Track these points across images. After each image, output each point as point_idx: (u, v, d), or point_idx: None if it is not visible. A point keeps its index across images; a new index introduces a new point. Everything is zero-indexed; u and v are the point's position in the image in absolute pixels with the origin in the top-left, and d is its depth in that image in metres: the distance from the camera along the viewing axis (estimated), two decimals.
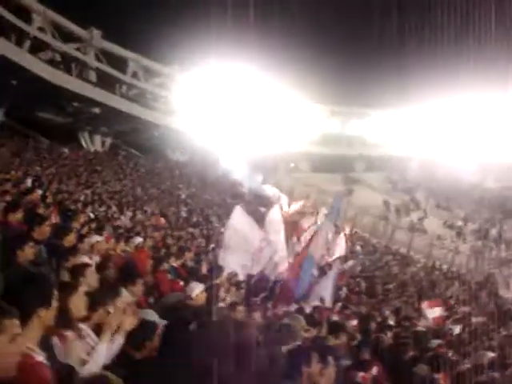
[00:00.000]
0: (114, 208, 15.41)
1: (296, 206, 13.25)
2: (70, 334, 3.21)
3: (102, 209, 14.42)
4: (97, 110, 32.99)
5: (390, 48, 39.25)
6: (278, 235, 9.18)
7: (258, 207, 9.88)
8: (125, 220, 13.93)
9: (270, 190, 23.37)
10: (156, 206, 19.51)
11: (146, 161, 32.92)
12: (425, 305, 13.63)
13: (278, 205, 10.67)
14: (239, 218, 9.15)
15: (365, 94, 40.96)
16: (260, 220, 9.49)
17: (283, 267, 8.95)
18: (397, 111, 43.39)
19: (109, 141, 35.59)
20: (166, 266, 7.48)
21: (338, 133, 44.14)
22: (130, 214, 15.41)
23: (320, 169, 41.08)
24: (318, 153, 42.17)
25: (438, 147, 41.64)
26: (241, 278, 8.55)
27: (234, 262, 8.78)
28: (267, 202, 10.53)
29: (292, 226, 10.00)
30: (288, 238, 9.73)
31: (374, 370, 5.73)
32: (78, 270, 4.37)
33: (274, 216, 9.49)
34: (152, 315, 4.32)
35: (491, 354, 12.84)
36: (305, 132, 41.99)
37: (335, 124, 44.46)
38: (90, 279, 4.32)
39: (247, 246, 8.89)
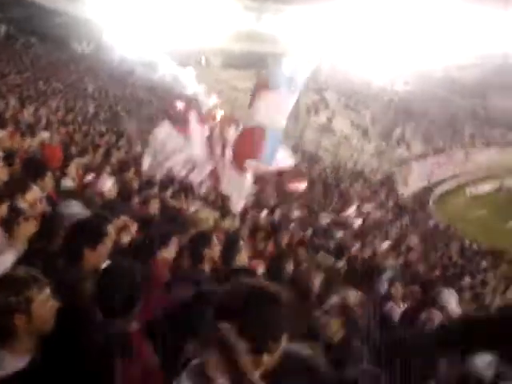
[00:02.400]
0: (15, 102, 14.48)
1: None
2: None
3: (2, 103, 13.53)
4: None
5: None
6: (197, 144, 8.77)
7: (174, 102, 9.13)
8: (27, 115, 13.17)
9: (191, 87, 21.91)
10: (61, 101, 18.54)
11: (48, 51, 30.67)
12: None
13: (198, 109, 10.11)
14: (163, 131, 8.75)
15: None
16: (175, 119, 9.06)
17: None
18: (310, 8, 42.68)
19: (3, 28, 32.54)
20: (77, 161, 7.28)
21: (250, 29, 43.02)
22: (32, 108, 14.56)
23: (232, 65, 40.31)
24: (230, 48, 41.14)
25: (350, 48, 41.96)
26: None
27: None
28: (187, 101, 9.81)
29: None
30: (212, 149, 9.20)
31: None
32: None
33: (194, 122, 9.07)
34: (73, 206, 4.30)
35: (387, 243, 14.04)
36: (217, 27, 40.59)
37: (248, 20, 43.23)
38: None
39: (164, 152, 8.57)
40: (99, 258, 3.13)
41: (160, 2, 34.83)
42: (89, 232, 3.17)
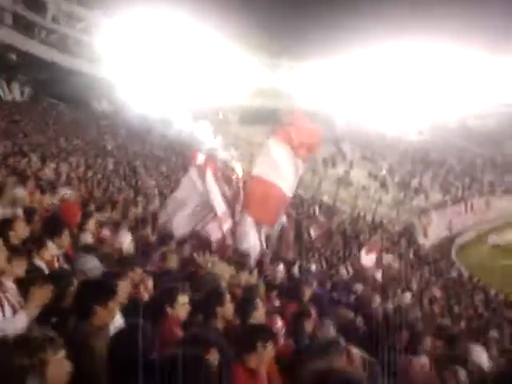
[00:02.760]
0: (37, 160, 14.79)
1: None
2: None
3: (24, 161, 13.81)
4: (13, 57, 31.04)
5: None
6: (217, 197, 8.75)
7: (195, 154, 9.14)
8: (49, 172, 13.41)
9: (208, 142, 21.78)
10: (81, 158, 18.88)
11: (69, 111, 31.57)
12: (365, 249, 14.17)
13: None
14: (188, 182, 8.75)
15: (294, 47, 40.90)
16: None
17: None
18: (323, 64, 43.66)
19: (28, 90, 33.73)
20: (96, 217, 7.36)
21: (266, 85, 44.01)
22: (53, 165, 14.84)
23: (248, 120, 40.98)
24: (247, 105, 41.97)
25: (364, 100, 42.58)
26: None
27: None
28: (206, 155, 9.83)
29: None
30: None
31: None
32: (6, 224, 4.26)
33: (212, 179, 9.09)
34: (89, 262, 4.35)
35: (409, 295, 13.72)
36: (234, 84, 41.59)
37: (264, 76, 44.27)
38: (20, 232, 4.25)
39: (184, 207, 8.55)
40: (110, 314, 3.16)
41: (178, 61, 35.89)
42: (100, 290, 3.21)
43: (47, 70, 32.35)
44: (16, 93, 32.89)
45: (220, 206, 8.38)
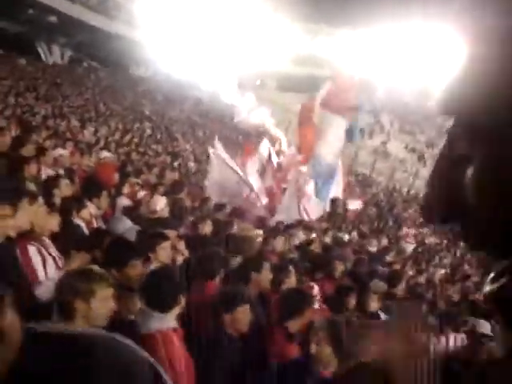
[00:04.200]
0: (76, 123, 15.01)
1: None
2: (31, 246, 3.19)
3: (64, 123, 14.03)
4: (54, 19, 31.25)
5: None
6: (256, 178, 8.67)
7: (237, 137, 9.19)
8: (88, 135, 13.61)
9: (259, 117, 21.07)
10: (119, 122, 19.10)
11: (108, 75, 31.81)
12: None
13: (268, 142, 9.94)
14: (217, 155, 8.70)
15: (334, 13, 40.03)
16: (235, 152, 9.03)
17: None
18: (363, 31, 42.64)
19: (68, 52, 34.06)
20: (132, 180, 7.46)
21: (304, 52, 43.37)
22: (92, 129, 15.04)
23: (286, 87, 40.57)
24: (285, 71, 41.50)
25: (405, 71, 41.54)
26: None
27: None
28: (253, 132, 9.82)
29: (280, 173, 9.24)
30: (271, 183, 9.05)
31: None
32: (51, 182, 4.37)
33: (261, 155, 9.00)
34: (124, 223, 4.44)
35: (443, 270, 13.57)
36: (271, 49, 41.13)
37: (303, 43, 43.60)
38: (63, 190, 4.37)
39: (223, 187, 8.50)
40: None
41: (215, 28, 35.64)
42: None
43: (87, 32, 32.53)
44: (56, 55, 33.26)
45: (256, 183, 8.41)
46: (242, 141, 8.86)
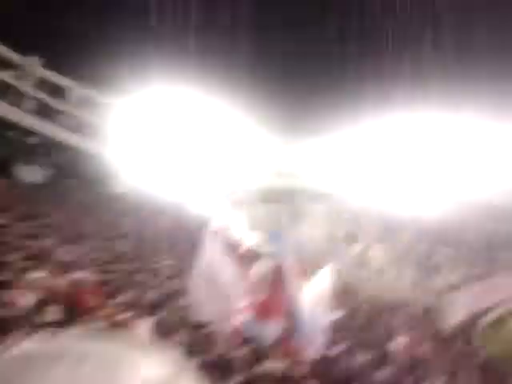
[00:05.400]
0: (54, 242, 14.77)
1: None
2: None
3: (41, 243, 13.80)
4: (34, 140, 31.94)
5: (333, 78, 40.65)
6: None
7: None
8: (64, 255, 13.32)
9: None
10: (95, 240, 18.87)
11: (86, 193, 31.99)
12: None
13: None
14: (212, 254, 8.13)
15: (312, 127, 41.71)
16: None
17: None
18: (342, 143, 44.24)
19: (47, 172, 34.46)
20: (110, 301, 7.17)
21: (284, 164, 44.54)
22: (69, 248, 14.79)
23: (266, 200, 41.15)
24: (264, 184, 42.30)
25: (381, 179, 42.74)
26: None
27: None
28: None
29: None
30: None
31: None
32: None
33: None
34: None
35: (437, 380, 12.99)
36: (251, 163, 42.21)
37: (282, 154, 44.86)
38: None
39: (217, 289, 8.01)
40: None
41: (191, 141, 36.81)
42: None
43: (66, 152, 33.16)
44: (36, 175, 33.57)
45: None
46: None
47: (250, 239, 16.15)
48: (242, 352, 6.60)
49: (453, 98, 35.34)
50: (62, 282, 8.00)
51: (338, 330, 13.98)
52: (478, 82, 36.76)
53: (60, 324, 4.21)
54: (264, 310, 7.36)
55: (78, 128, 34.63)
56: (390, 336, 17.52)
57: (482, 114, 37.41)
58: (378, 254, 33.67)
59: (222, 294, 7.56)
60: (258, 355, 6.10)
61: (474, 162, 43.34)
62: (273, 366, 6.77)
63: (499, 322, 28.04)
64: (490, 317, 28.42)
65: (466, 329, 25.86)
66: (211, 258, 7.96)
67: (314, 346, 7.76)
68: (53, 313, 4.66)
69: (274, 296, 7.44)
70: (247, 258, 8.93)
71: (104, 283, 9.99)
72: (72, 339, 1.08)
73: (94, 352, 1.00)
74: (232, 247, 8.52)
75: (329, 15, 39.62)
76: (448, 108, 37.60)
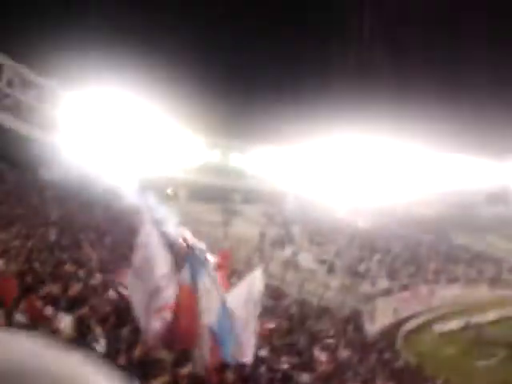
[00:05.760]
0: None
1: None
2: None
3: None
4: None
5: (273, 85, 41.13)
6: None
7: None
8: None
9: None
10: (22, 227, 18.05)
11: (14, 177, 30.64)
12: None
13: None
14: (149, 238, 7.79)
15: (247, 128, 41.95)
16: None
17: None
18: (276, 148, 44.85)
19: None
20: (32, 293, 6.83)
21: (217, 163, 44.52)
22: None
23: (198, 198, 40.94)
24: (197, 182, 42.07)
25: (314, 185, 43.66)
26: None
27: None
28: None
29: None
30: None
31: None
32: None
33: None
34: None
35: None
36: (184, 160, 41.96)
37: (216, 155, 44.85)
38: None
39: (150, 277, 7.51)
40: None
41: (127, 136, 36.24)
42: None
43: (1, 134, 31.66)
44: None
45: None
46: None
47: (184, 236, 15.94)
48: (167, 352, 6.46)
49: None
50: None
51: (265, 333, 14.07)
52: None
53: None
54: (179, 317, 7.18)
55: (11, 109, 33.09)
56: (316, 340, 17.80)
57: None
58: (308, 258, 34.15)
59: (153, 289, 7.38)
60: (185, 357, 5.98)
61: (402, 177, 45.39)
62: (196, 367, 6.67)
63: (418, 330, 29.14)
64: (411, 324, 29.49)
65: (389, 335, 26.70)
66: (145, 251, 7.73)
67: (240, 350, 7.70)
68: None
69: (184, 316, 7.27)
70: (182, 255, 8.82)
71: (28, 273, 9.55)
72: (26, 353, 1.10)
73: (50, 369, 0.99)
74: (168, 242, 8.38)
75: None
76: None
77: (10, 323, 5.21)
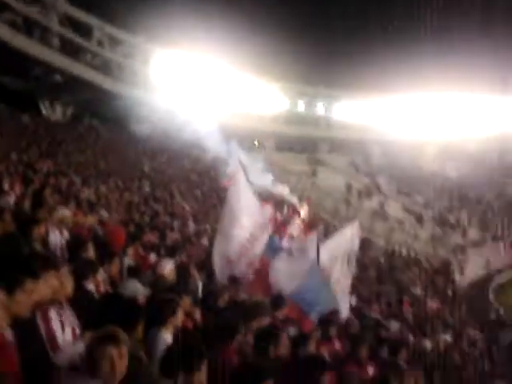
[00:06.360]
0: (78, 180, 14.97)
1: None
2: (52, 311, 3.09)
3: (65, 181, 13.96)
4: (59, 78, 31.87)
5: (360, 33, 39.76)
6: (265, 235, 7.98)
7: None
8: (89, 193, 13.51)
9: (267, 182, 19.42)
10: (119, 180, 19.03)
11: (108, 132, 32.09)
12: None
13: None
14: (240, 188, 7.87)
15: (333, 77, 41.15)
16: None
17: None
18: (363, 97, 43.79)
19: (71, 110, 34.56)
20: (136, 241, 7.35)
21: (304, 113, 44.23)
22: (93, 187, 14.97)
23: (285, 148, 41.09)
24: (284, 132, 42.12)
25: (401, 134, 42.45)
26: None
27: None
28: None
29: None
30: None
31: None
32: (79, 246, 4.75)
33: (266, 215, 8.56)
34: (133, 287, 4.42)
35: (448, 335, 13.28)
36: (271, 111, 41.97)
37: (302, 104, 44.53)
38: (90, 254, 4.51)
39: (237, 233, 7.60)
40: None
41: (215, 88, 36.68)
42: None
43: (89, 91, 33.06)
44: (58, 113, 33.69)
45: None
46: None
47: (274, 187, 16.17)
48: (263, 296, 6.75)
49: None
50: (90, 220, 8.21)
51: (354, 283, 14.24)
52: None
53: (93, 263, 4.39)
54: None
55: (102, 67, 34.36)
56: (404, 289, 17.78)
57: None
58: (396, 207, 33.63)
59: (249, 238, 7.56)
60: (281, 300, 6.24)
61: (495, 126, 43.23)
62: None
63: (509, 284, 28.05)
64: (503, 277, 28.52)
65: (480, 287, 26.04)
66: (236, 200, 7.85)
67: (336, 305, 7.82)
68: (85, 251, 4.80)
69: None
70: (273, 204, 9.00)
71: (129, 223, 10.20)
72: None
73: None
74: (258, 192, 8.51)
75: None
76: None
77: (121, 269, 5.70)
